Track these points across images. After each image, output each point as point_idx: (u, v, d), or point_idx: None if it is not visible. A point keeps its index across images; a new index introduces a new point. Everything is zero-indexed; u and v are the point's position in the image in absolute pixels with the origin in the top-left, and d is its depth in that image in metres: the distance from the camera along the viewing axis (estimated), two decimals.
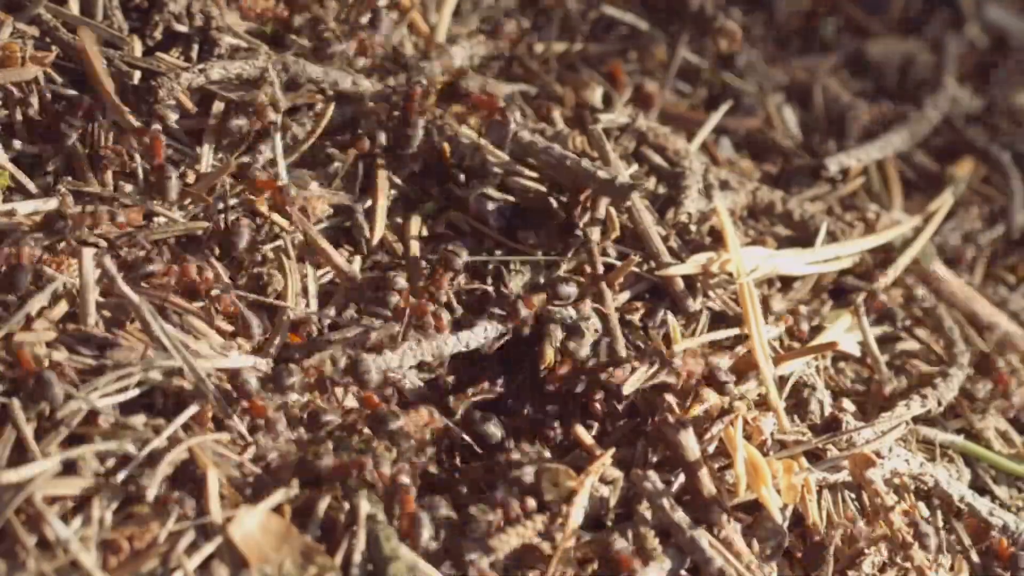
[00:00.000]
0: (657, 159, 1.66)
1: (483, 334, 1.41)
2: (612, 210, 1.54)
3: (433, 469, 1.33)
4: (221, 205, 1.42)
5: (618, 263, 1.50)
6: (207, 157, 1.46)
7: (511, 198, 1.56)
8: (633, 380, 1.38)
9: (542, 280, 1.49)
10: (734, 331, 1.49)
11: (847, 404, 1.51)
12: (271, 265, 1.42)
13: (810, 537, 1.37)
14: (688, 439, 1.34)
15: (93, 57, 1.27)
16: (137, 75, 1.45)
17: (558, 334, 1.44)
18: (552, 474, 1.30)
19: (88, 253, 1.30)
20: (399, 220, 1.52)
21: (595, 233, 1.52)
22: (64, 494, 1.16)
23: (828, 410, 1.47)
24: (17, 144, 1.40)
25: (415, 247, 1.49)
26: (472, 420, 1.39)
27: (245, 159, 1.47)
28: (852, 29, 2.16)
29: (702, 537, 1.29)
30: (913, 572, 1.39)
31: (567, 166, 1.52)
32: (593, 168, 1.52)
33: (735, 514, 1.33)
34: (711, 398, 1.39)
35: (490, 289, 1.47)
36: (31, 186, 1.38)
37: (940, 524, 1.46)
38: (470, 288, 1.47)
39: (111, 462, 1.19)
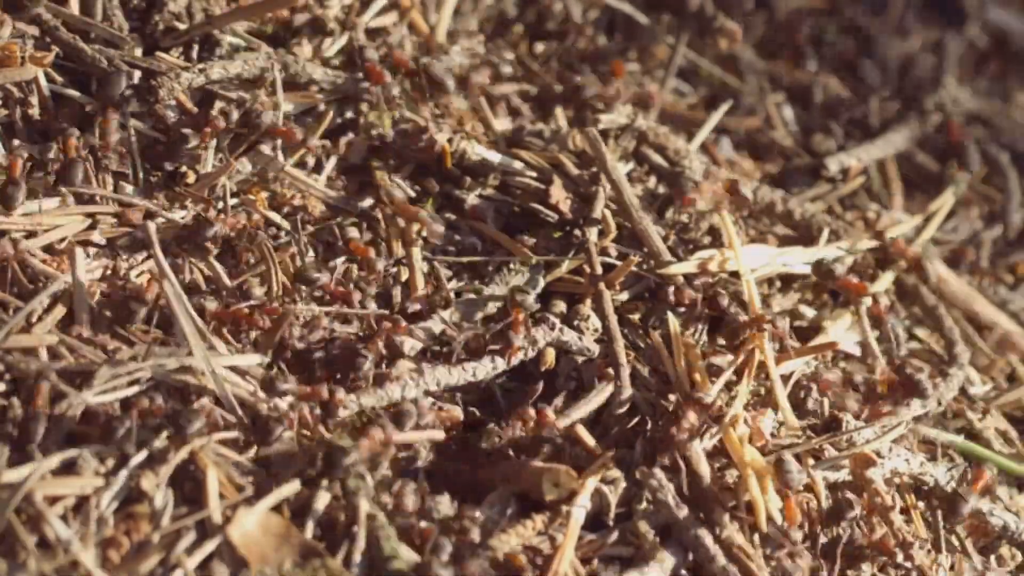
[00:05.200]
0: (657, 159, 1.66)
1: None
2: (607, 212, 1.54)
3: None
4: (221, 205, 1.42)
5: (618, 263, 1.50)
6: (207, 157, 1.46)
7: (510, 198, 1.56)
8: None
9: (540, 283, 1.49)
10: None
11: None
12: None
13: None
14: (694, 444, 1.34)
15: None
16: (137, 75, 1.45)
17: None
18: (553, 474, 1.30)
19: (79, 253, 1.30)
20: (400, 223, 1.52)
21: (593, 233, 1.52)
22: (64, 494, 1.16)
23: (828, 410, 1.47)
24: (17, 144, 1.40)
25: (415, 248, 1.49)
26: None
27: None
28: (852, 29, 2.16)
29: (706, 535, 1.29)
30: (914, 572, 1.39)
31: None
32: None
33: (736, 514, 1.33)
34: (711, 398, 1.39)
35: (492, 291, 1.47)
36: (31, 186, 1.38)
37: (940, 524, 1.46)
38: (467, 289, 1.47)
39: (111, 462, 1.19)
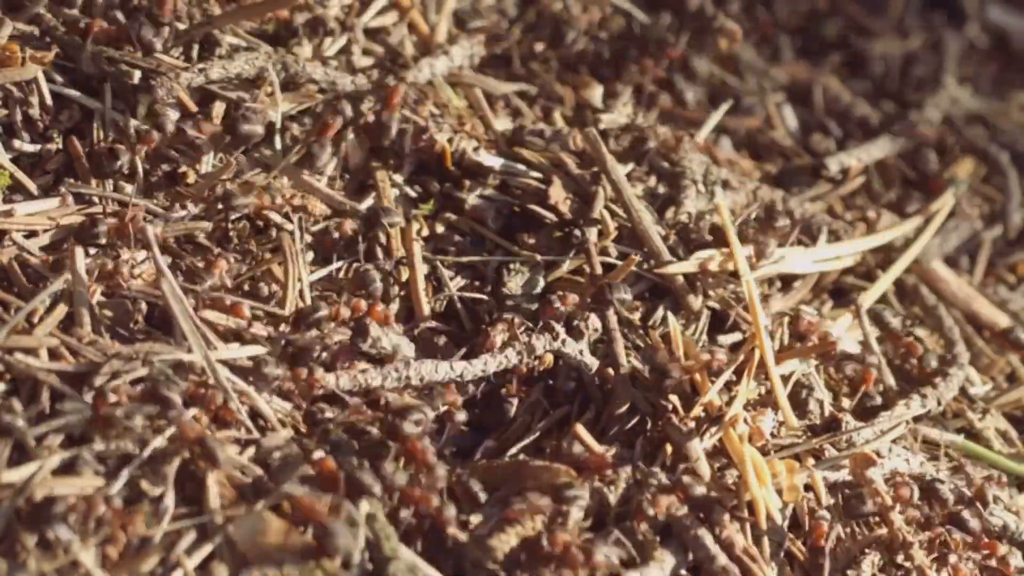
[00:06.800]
0: (657, 159, 1.66)
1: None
2: (607, 212, 1.54)
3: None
4: (221, 205, 1.42)
5: (618, 263, 1.50)
6: (208, 157, 1.46)
7: (510, 198, 1.56)
8: None
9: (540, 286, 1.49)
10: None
11: (847, 404, 1.51)
12: (268, 263, 1.42)
13: (810, 537, 1.37)
14: (694, 445, 1.34)
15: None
16: (137, 75, 1.45)
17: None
18: (553, 474, 1.30)
19: (79, 252, 1.30)
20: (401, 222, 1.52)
21: (592, 233, 1.52)
22: (64, 494, 1.16)
23: (828, 410, 1.47)
24: (17, 144, 1.40)
25: (416, 247, 1.49)
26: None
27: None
28: (852, 29, 2.16)
29: (706, 534, 1.29)
30: (914, 572, 1.39)
31: None
32: None
33: (736, 514, 1.33)
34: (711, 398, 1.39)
35: (486, 297, 1.47)
36: (31, 186, 1.38)
37: (940, 523, 1.46)
38: (469, 291, 1.47)
39: (111, 462, 1.19)
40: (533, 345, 1.39)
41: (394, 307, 1.43)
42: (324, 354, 1.31)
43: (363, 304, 1.36)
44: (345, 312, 1.35)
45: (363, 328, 1.33)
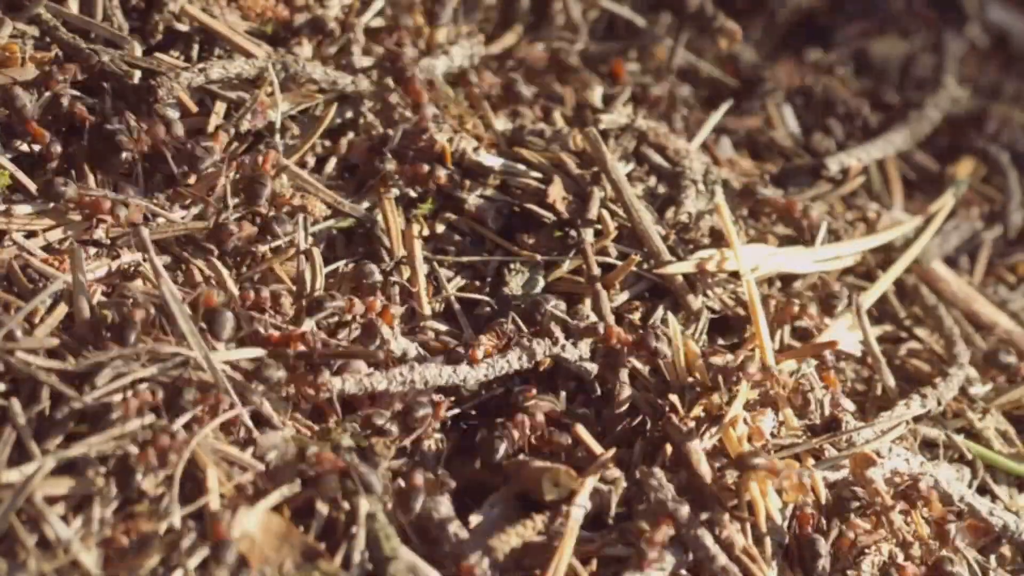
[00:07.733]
0: (657, 158, 1.66)
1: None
2: (606, 212, 1.54)
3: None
4: (221, 205, 1.42)
5: (618, 263, 1.50)
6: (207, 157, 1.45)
7: (510, 198, 1.56)
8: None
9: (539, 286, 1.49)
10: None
11: (847, 404, 1.51)
12: (270, 262, 1.42)
13: (809, 537, 1.37)
14: (694, 445, 1.34)
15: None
16: (137, 75, 1.45)
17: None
18: (553, 474, 1.30)
19: (79, 251, 1.30)
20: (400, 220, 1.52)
21: (589, 234, 1.52)
22: (64, 494, 1.16)
23: (828, 410, 1.47)
24: (17, 144, 1.40)
25: (416, 247, 1.49)
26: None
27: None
28: (852, 29, 2.16)
29: (706, 534, 1.29)
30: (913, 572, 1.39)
31: None
32: None
33: (736, 513, 1.33)
34: (711, 398, 1.39)
35: (486, 298, 1.47)
36: (31, 186, 1.38)
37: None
38: (468, 292, 1.48)
39: (111, 462, 1.19)
40: (534, 350, 1.38)
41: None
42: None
43: (378, 303, 1.36)
44: (359, 308, 1.34)
45: (372, 329, 1.33)
